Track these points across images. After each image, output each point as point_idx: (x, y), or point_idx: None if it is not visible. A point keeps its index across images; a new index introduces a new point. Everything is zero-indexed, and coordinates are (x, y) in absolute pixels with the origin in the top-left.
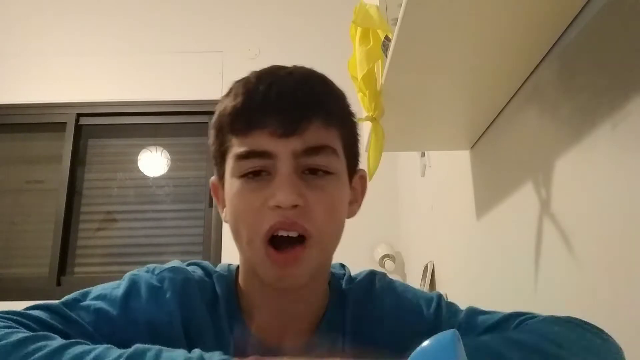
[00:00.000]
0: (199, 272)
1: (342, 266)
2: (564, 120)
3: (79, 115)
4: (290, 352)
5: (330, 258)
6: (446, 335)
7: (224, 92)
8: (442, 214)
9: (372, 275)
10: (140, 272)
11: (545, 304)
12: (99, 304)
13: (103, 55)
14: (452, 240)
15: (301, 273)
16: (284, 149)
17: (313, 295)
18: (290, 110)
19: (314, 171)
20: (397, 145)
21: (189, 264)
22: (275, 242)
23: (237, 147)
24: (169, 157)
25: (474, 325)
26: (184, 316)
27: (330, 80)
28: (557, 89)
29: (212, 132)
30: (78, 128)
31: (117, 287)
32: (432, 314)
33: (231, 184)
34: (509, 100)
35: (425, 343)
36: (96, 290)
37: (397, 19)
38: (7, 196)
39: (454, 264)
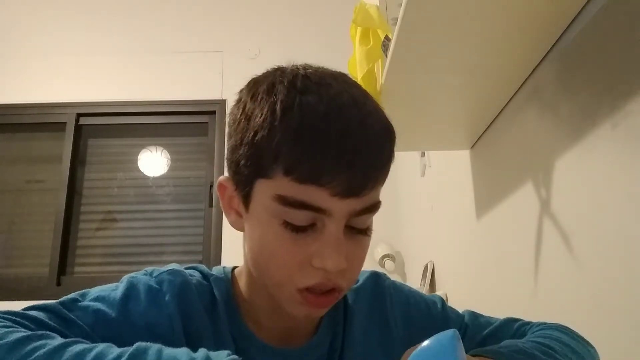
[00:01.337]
0: (196, 275)
1: None
2: (564, 120)
3: (79, 115)
4: (291, 354)
5: None
6: (446, 335)
7: (236, 90)
8: (442, 214)
9: (375, 275)
10: (138, 274)
11: (545, 303)
12: (98, 305)
13: (103, 55)
14: (452, 240)
15: (326, 310)
16: (341, 210)
17: None
18: (361, 170)
19: (360, 231)
20: (397, 145)
21: (186, 268)
22: (312, 293)
23: (284, 187)
24: (169, 157)
25: (478, 326)
26: (183, 318)
27: (387, 121)
28: (557, 89)
29: (239, 137)
30: (78, 128)
31: (115, 289)
32: (440, 312)
33: (267, 222)
34: (509, 100)
35: (426, 343)
36: (94, 291)
37: (397, 18)
38: (7, 196)
39: (454, 264)
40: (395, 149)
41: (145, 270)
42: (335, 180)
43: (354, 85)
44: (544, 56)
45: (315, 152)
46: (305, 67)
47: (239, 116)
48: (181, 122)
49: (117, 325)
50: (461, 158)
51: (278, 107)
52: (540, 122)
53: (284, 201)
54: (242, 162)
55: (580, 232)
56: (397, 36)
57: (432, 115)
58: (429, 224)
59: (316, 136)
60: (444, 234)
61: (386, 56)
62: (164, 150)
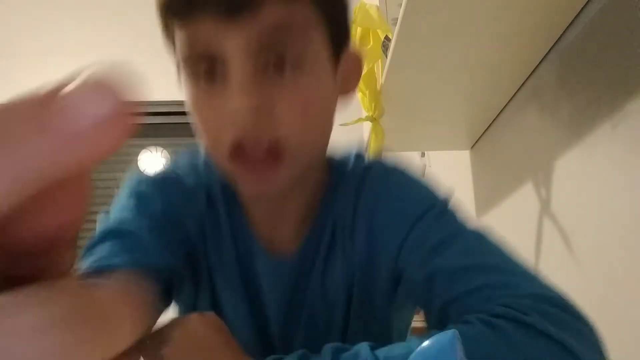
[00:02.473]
0: (192, 178)
1: (359, 156)
2: (564, 120)
3: None
4: (286, 247)
5: (319, 156)
6: (446, 335)
7: None
8: None
9: (383, 165)
10: (133, 185)
11: None
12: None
13: (103, 55)
14: None
15: (280, 186)
16: (233, 41)
17: (304, 190)
18: None
19: (280, 66)
20: (397, 145)
21: (173, 164)
22: (246, 157)
23: (179, 41)
24: (169, 157)
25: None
26: (189, 213)
27: None
28: (557, 89)
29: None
30: None
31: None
32: (434, 216)
33: (185, 85)
34: (509, 100)
35: (425, 343)
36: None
37: (397, 18)
38: None
39: None
40: None
41: (134, 180)
42: (208, 4)
43: None
44: (544, 56)
45: None
46: None
47: None
48: (181, 122)
49: (151, 245)
50: (461, 158)
51: None
52: (540, 122)
53: (181, 54)
54: (164, 35)
55: (580, 232)
56: (397, 36)
57: (432, 116)
58: None
59: None
60: None
61: (386, 56)
62: (164, 151)
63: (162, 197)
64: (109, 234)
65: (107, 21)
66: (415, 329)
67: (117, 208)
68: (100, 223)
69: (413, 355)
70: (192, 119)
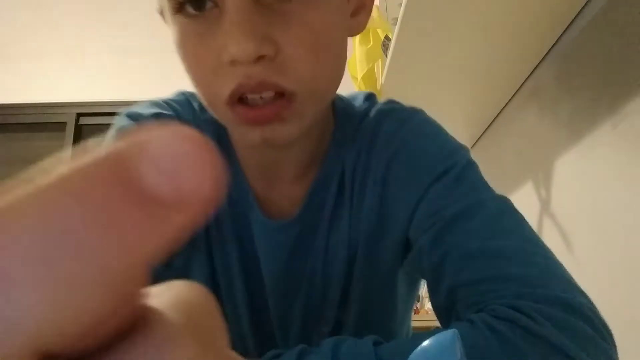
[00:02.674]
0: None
1: (369, 97)
2: (564, 120)
3: (79, 115)
4: (286, 208)
5: (329, 102)
6: (447, 335)
7: None
8: None
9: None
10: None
11: None
12: None
13: (103, 55)
14: None
15: (287, 137)
16: None
17: (308, 141)
18: None
19: None
20: None
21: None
22: (248, 106)
23: None
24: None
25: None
26: None
27: None
28: (556, 89)
29: None
30: (78, 128)
31: None
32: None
33: (171, 21)
34: (509, 101)
35: (425, 343)
36: None
37: (397, 18)
38: None
39: None
40: None
41: (126, 118)
42: None
43: None
44: (544, 57)
45: None
46: None
47: None
48: None
49: None
50: None
51: None
52: (539, 123)
53: None
54: None
55: (580, 232)
56: (397, 36)
57: (432, 115)
58: None
59: None
60: None
61: (386, 56)
62: None
63: None
64: None
65: (110, 21)
66: (415, 329)
67: None
68: None
69: (412, 355)
70: (182, 62)
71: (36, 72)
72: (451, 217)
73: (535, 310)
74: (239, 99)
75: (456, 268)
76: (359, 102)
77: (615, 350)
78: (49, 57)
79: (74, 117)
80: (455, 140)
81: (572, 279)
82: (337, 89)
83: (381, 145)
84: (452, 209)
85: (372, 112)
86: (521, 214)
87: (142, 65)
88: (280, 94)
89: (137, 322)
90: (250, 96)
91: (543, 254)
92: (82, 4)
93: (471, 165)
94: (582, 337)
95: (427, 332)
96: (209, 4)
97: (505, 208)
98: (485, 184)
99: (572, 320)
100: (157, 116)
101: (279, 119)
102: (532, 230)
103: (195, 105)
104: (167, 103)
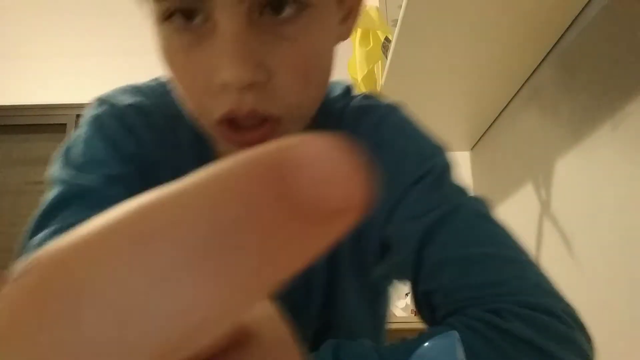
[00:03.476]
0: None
1: (347, 91)
2: (564, 121)
3: (79, 116)
4: None
5: (314, 112)
6: (446, 336)
7: None
8: None
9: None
10: (97, 120)
11: None
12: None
13: (103, 56)
14: None
15: None
16: None
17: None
18: None
19: (277, 7)
20: None
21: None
22: (237, 125)
23: None
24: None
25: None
26: (161, 155)
27: None
28: (556, 91)
29: None
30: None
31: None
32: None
33: (158, 34)
34: (509, 101)
35: (425, 344)
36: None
37: (397, 20)
38: (7, 197)
39: None
40: None
41: (98, 109)
42: None
43: None
44: (544, 57)
45: None
46: None
47: None
48: None
49: (127, 179)
50: (461, 159)
51: None
52: (540, 124)
53: None
54: None
55: (580, 233)
56: (397, 38)
57: (432, 117)
58: None
59: None
60: None
61: (386, 57)
62: None
63: (132, 135)
64: (73, 195)
65: (109, 23)
66: (415, 330)
67: (78, 150)
68: (58, 173)
69: (413, 356)
70: (168, 71)
71: (36, 73)
72: (430, 223)
73: (512, 313)
74: (227, 120)
75: (434, 274)
76: (336, 96)
77: (591, 346)
78: (50, 58)
79: (74, 118)
80: (433, 140)
81: (549, 282)
82: (324, 94)
83: (361, 142)
84: (431, 215)
85: (350, 109)
86: (497, 216)
87: (142, 66)
88: (269, 117)
89: (234, 335)
90: (239, 116)
91: (518, 258)
92: (82, 6)
93: (449, 168)
94: (548, 327)
95: (427, 334)
96: (200, 17)
97: (483, 211)
98: (462, 188)
99: (541, 317)
100: (133, 107)
101: (264, 139)
102: (508, 233)
103: (168, 93)
104: (142, 92)
